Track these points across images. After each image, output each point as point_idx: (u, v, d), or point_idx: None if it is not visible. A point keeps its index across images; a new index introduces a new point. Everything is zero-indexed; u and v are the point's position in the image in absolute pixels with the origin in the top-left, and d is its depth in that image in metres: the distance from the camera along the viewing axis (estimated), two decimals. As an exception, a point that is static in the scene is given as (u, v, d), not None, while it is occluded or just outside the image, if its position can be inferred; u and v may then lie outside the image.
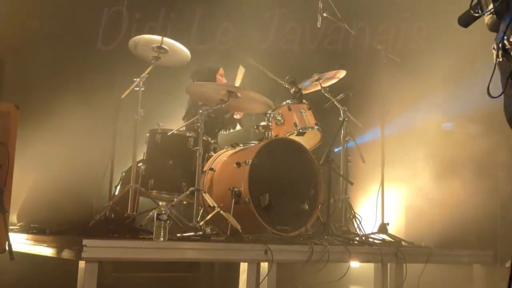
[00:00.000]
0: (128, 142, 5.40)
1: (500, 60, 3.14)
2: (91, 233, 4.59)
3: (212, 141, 5.80)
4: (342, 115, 5.93)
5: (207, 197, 5.10)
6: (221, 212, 4.92)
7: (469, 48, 6.14)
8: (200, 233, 4.81)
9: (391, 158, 6.13)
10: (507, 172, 5.99)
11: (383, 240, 5.64)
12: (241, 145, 5.63)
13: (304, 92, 5.94)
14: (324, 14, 6.02)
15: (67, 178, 5.42)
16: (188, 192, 5.12)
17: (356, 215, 5.77)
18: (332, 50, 6.96)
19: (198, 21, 6.68)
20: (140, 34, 5.45)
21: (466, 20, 3.40)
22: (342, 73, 6.11)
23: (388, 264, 5.25)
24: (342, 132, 5.91)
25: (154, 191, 5.41)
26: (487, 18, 3.33)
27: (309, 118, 5.78)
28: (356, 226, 5.72)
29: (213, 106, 5.25)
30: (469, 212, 5.77)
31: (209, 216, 4.99)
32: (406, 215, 6.36)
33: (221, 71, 6.37)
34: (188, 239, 4.74)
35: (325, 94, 6.06)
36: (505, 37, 3.10)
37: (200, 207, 5.15)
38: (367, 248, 5.27)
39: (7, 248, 3.86)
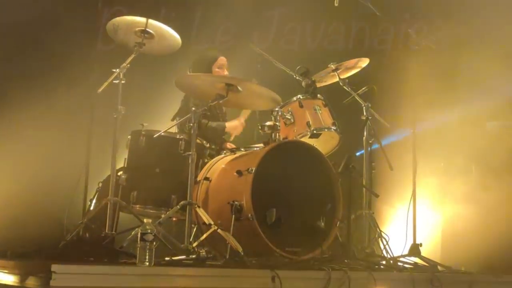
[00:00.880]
0: (105, 146, 5.42)
1: None
2: (61, 257, 4.58)
3: (208, 145, 5.81)
4: (365, 113, 5.95)
5: (201, 212, 5.10)
6: (219, 230, 4.92)
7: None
8: (193, 256, 4.81)
9: (424, 164, 6.13)
10: None
11: (415, 264, 5.62)
12: (242, 149, 5.64)
13: (318, 85, 5.96)
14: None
15: (32, 191, 5.44)
16: (178, 206, 5.12)
17: (383, 234, 5.77)
18: (352, 35, 6.98)
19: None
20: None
21: None
22: (364, 62, 6.13)
23: (422, 293, 5.26)
24: (365, 133, 5.93)
25: (137, 206, 5.43)
26: None
27: (325, 116, 5.80)
28: (382, 247, 5.72)
29: (209, 102, 5.25)
30: (519, 231, 5.80)
31: (204, 235, 4.99)
32: (442, 234, 6.37)
33: (221, 60, 6.31)
34: (178, 263, 4.74)
35: (344, 87, 6.08)
36: None
37: (193, 225, 5.16)
38: (396, 274, 5.25)
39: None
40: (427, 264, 5.67)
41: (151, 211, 5.47)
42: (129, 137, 5.62)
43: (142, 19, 5.43)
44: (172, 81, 5.52)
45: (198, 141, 5.41)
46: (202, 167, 5.62)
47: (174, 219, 5.57)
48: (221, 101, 5.28)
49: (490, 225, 5.88)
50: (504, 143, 6.16)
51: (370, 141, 5.94)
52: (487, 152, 6.19)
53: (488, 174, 6.08)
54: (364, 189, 5.85)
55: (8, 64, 6.16)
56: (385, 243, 5.72)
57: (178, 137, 5.55)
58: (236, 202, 5.03)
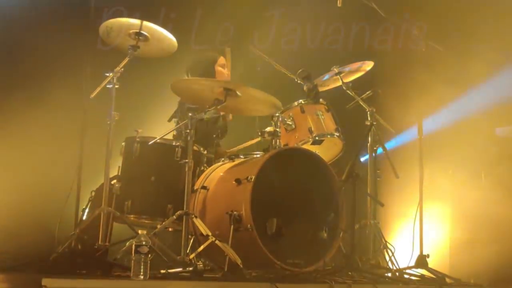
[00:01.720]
0: (98, 153, 5.39)
1: None
2: (52, 270, 4.57)
3: (205, 152, 5.79)
4: (369, 118, 5.95)
5: (198, 223, 5.09)
6: (217, 242, 4.91)
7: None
8: (190, 268, 4.79)
9: (431, 172, 6.12)
10: None
11: (422, 276, 5.62)
12: (241, 156, 5.63)
13: (321, 89, 5.97)
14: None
15: (22, 200, 5.42)
16: (174, 216, 5.12)
17: (388, 244, 5.77)
18: (356, 37, 6.98)
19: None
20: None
21: None
22: (369, 65, 6.13)
23: (429, 306, 5.26)
24: (370, 139, 5.92)
25: (131, 216, 5.41)
26: None
27: (328, 122, 5.80)
28: (387, 258, 5.72)
29: (207, 107, 5.24)
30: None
31: (202, 247, 4.98)
32: (450, 245, 6.37)
33: (222, 60, 6.40)
34: (175, 276, 4.72)
35: (348, 91, 6.07)
36: None
37: (190, 236, 5.14)
38: (401, 286, 5.23)
39: None
40: (434, 276, 5.65)
41: (146, 221, 5.47)
42: (123, 144, 5.60)
43: (137, 21, 5.41)
44: (168, 85, 5.50)
45: (195, 148, 5.40)
46: (199, 175, 5.62)
47: (170, 229, 5.54)
48: (219, 107, 5.26)
49: (500, 235, 5.88)
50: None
51: (375, 148, 5.95)
52: (496, 158, 6.18)
53: (498, 183, 6.08)
54: (368, 197, 5.85)
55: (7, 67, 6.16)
56: (390, 254, 5.73)
57: (174, 144, 5.53)
58: (235, 212, 5.02)
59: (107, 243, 5.14)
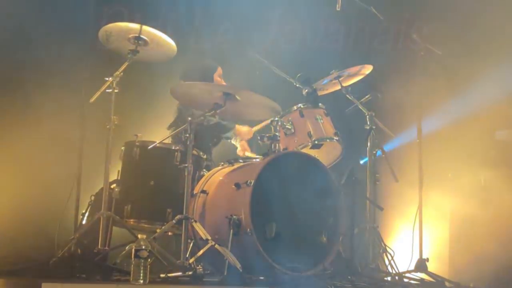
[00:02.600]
0: (98, 158, 5.43)
1: None
2: (52, 274, 4.60)
3: (205, 157, 5.83)
4: (368, 122, 5.95)
5: (198, 227, 5.11)
6: (216, 246, 4.94)
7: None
8: (190, 273, 4.82)
9: (430, 175, 6.14)
10: None
11: (422, 280, 5.65)
12: (240, 161, 5.66)
13: (320, 93, 5.99)
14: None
15: (21, 204, 5.44)
16: (174, 221, 5.13)
17: (387, 248, 5.77)
18: (355, 41, 6.99)
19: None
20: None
21: None
22: (368, 69, 6.14)
23: (428, 310, 5.29)
24: (369, 143, 5.92)
25: (131, 220, 5.45)
26: None
27: (327, 126, 5.81)
28: (387, 262, 5.72)
29: (206, 112, 5.28)
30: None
31: (201, 251, 5.00)
32: (450, 248, 6.37)
33: (220, 71, 6.42)
34: (174, 281, 4.75)
35: (347, 95, 6.08)
36: None
37: (189, 240, 5.16)
38: (401, 290, 5.29)
39: None
40: (434, 280, 5.69)
41: (146, 225, 5.49)
42: (122, 148, 5.64)
43: (136, 25, 5.44)
44: (167, 89, 5.52)
45: (194, 152, 5.43)
46: (198, 180, 5.64)
47: (169, 233, 5.57)
48: (218, 111, 5.30)
49: (500, 239, 5.88)
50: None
51: (374, 152, 5.93)
52: (496, 162, 6.20)
53: (497, 186, 6.10)
54: (368, 201, 5.85)
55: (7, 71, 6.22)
56: (390, 258, 5.72)
57: (173, 148, 5.57)
58: (234, 216, 5.03)
59: (106, 248, 5.17)
